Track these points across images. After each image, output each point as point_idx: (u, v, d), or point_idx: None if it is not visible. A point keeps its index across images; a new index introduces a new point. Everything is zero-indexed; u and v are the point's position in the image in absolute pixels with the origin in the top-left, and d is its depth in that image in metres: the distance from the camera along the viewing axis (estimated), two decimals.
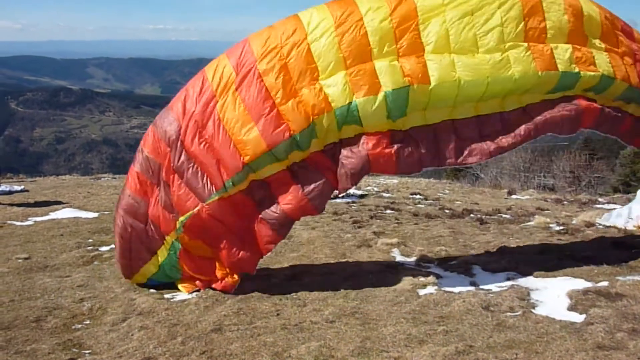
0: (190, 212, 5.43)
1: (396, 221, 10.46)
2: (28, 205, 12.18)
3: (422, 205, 13.40)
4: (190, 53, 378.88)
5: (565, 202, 15.03)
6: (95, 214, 11.14)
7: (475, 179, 31.45)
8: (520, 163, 32.05)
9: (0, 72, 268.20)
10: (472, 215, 11.42)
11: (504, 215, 11.65)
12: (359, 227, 9.67)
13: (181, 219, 5.50)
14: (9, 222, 10.23)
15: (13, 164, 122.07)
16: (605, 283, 5.55)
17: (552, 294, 5.41)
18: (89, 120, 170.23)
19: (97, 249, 8.19)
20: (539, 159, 32.47)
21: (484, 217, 11.05)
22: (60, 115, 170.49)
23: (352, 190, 16.04)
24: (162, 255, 6.03)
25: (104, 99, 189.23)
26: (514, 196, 16.99)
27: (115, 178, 20.10)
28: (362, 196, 14.91)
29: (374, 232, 9.10)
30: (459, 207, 12.91)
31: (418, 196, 15.35)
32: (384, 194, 15.75)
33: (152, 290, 6.15)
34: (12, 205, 12.06)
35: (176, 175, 5.56)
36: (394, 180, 20.98)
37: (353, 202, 13.52)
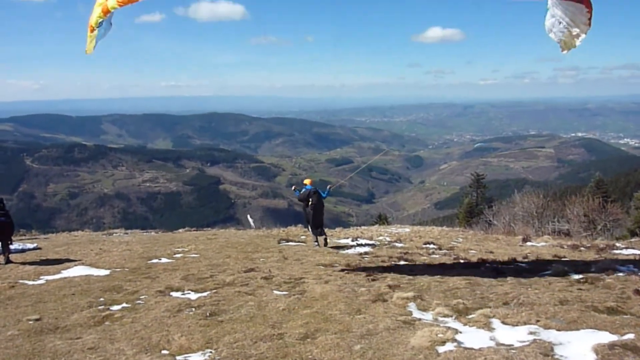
0: None
1: (411, 273, 10.27)
2: (40, 263, 12.18)
3: (437, 255, 13.19)
4: (202, 108, 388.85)
5: (582, 249, 14.72)
6: (107, 271, 11.09)
7: (488, 226, 31.07)
8: (533, 208, 31.73)
9: (18, 130, 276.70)
10: (487, 264, 11.21)
11: (520, 264, 11.41)
12: (373, 280, 9.49)
13: None
14: (20, 281, 10.20)
15: (26, 220, 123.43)
16: (631, 336, 5.34)
17: (577, 349, 5.21)
18: (102, 175, 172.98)
19: (109, 309, 8.08)
20: (551, 204, 32.15)
21: (500, 266, 10.84)
22: (74, 170, 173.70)
23: (364, 241, 15.92)
24: None
25: (117, 154, 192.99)
26: (529, 243, 16.71)
27: (127, 233, 20.15)
28: (374, 246, 14.75)
29: (389, 286, 8.92)
30: (474, 257, 12.69)
31: (432, 246, 15.14)
32: (397, 244, 15.57)
33: (164, 352, 6.02)
34: (24, 264, 12.06)
35: None
36: (406, 229, 20.80)
37: (366, 253, 13.35)
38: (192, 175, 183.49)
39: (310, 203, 13.50)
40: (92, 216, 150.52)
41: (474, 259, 12.07)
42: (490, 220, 32.56)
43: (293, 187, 14.76)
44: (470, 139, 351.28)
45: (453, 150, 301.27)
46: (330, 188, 14.60)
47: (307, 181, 14.32)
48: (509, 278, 9.58)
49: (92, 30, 9.73)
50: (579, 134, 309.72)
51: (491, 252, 13.90)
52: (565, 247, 15.23)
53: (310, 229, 14.32)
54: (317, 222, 13.78)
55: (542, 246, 15.66)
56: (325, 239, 14.20)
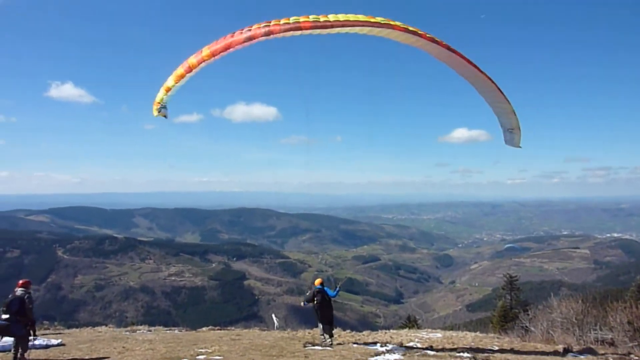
0: None
1: None
2: None
3: None
4: (231, 203, 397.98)
5: None
6: None
7: (525, 332, 29.31)
8: (572, 314, 29.96)
9: (54, 221, 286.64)
10: None
11: None
12: None
13: None
14: None
15: (50, 311, 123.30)
16: None
17: None
18: (129, 268, 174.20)
19: None
20: (591, 310, 30.35)
21: None
22: (103, 262, 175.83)
23: (393, 346, 15.18)
24: None
25: (146, 247, 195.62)
26: (570, 354, 15.61)
27: (150, 331, 19.84)
28: (404, 354, 14.02)
29: None
30: None
31: (466, 355, 14.30)
32: (429, 352, 14.77)
33: None
34: None
35: None
36: (438, 335, 19.83)
37: None
38: (218, 270, 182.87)
39: (315, 302, 14.20)
40: (116, 309, 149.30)
41: None
42: (526, 326, 30.77)
43: (303, 304, 15.15)
44: (500, 238, 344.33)
45: (483, 249, 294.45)
46: (339, 286, 15.42)
47: (317, 282, 14.87)
48: None
49: (167, 91, 12.55)
50: (615, 235, 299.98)
51: None
52: (612, 359, 14.15)
53: (320, 326, 14.92)
54: (325, 319, 14.49)
55: (584, 358, 14.59)
56: (331, 337, 14.79)
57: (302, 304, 15.13)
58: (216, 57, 11.45)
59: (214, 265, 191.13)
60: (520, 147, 12.24)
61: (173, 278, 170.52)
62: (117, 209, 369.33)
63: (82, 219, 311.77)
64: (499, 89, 11.39)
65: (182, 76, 12.10)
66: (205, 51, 11.56)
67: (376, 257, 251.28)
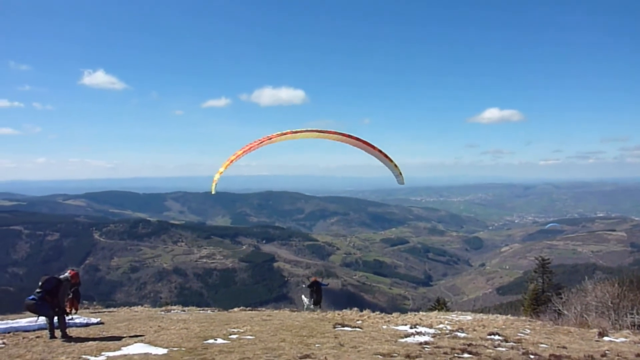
0: None
1: None
2: (102, 339, 12.46)
3: (503, 349, 12.31)
4: (260, 187, 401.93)
5: None
6: (165, 350, 11.14)
7: (558, 316, 28.82)
8: (608, 298, 29.26)
9: (90, 206, 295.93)
10: None
11: None
12: None
13: None
14: (83, 356, 10.42)
15: (89, 292, 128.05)
16: None
17: None
18: (162, 250, 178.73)
19: None
20: (628, 294, 29.56)
21: None
22: (137, 245, 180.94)
23: (423, 329, 15.19)
24: None
25: (178, 230, 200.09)
26: (606, 338, 15.27)
27: (184, 311, 20.37)
28: (434, 335, 14.02)
29: None
30: (544, 352, 11.74)
31: (497, 337, 14.19)
32: (459, 334, 14.71)
33: None
34: (87, 339, 12.38)
35: None
36: (468, 317, 19.69)
37: (426, 342, 12.69)
38: (248, 252, 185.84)
39: (312, 289, 22.36)
40: (150, 290, 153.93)
41: (546, 355, 11.15)
42: (559, 310, 30.24)
43: (305, 284, 23.22)
44: (532, 220, 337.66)
45: (514, 232, 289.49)
46: (327, 284, 23.58)
47: (312, 279, 22.87)
48: None
49: (218, 174, 17.00)
50: None
51: (564, 348, 12.81)
52: None
53: (312, 303, 22.35)
54: (317, 300, 22.14)
55: (622, 342, 14.27)
56: (320, 309, 21.70)
57: (305, 284, 23.03)
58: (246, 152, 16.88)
59: (244, 247, 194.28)
60: (403, 183, 19.17)
61: (204, 260, 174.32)
62: (150, 193, 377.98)
63: (116, 203, 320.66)
64: (386, 155, 17.85)
65: (230, 162, 17.01)
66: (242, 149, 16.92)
67: (405, 240, 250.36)
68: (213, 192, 17.54)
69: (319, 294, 22.43)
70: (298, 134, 16.42)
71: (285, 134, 16.27)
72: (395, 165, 17.78)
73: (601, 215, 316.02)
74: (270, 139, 16.62)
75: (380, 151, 17.45)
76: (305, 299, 23.11)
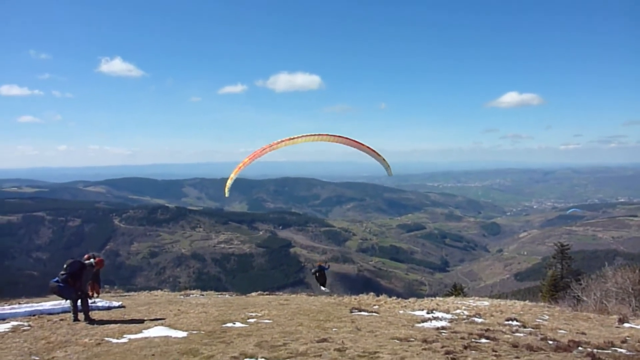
0: None
1: (494, 353, 9.58)
2: (124, 322, 12.74)
3: (521, 334, 12.25)
4: (276, 173, 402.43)
5: None
6: (185, 333, 11.34)
7: (577, 302, 28.52)
8: (628, 284, 28.83)
9: (110, 192, 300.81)
10: (580, 348, 10.22)
11: (619, 350, 10.30)
12: None
13: None
14: (106, 339, 10.68)
15: (110, 276, 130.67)
16: None
17: None
18: (181, 236, 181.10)
19: None
20: None
21: (595, 351, 9.84)
22: (156, 231, 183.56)
23: (440, 314, 15.19)
24: None
25: (196, 216, 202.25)
26: (626, 324, 15.10)
27: (203, 295, 20.68)
28: (451, 320, 14.01)
29: None
30: (563, 338, 11.65)
31: (515, 323, 14.12)
32: (476, 319, 14.68)
33: None
34: (109, 322, 12.67)
35: None
36: (485, 303, 19.62)
37: (443, 327, 12.69)
38: (265, 238, 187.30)
39: (317, 273, 24.05)
40: (169, 275, 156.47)
41: (564, 341, 11.07)
42: (578, 296, 29.91)
43: (314, 272, 24.59)
44: (551, 206, 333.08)
45: (533, 217, 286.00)
46: (328, 266, 24.75)
47: (317, 263, 24.69)
48: None
49: (230, 180, 19.29)
50: None
51: (583, 334, 12.70)
52: None
53: (319, 284, 24.45)
54: (321, 282, 24.12)
55: None
56: (325, 290, 23.84)
57: (312, 271, 24.91)
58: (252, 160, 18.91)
59: (260, 233, 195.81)
60: (392, 175, 21.45)
61: (222, 245, 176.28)
62: (168, 180, 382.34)
63: (135, 189, 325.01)
64: (374, 150, 19.61)
65: (239, 168, 19.14)
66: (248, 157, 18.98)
67: (421, 226, 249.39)
68: (227, 195, 20.14)
69: (322, 277, 24.71)
70: (295, 139, 18.53)
71: (283, 140, 18.49)
72: (384, 159, 19.99)
73: (622, 200, 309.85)
74: (272, 146, 18.81)
75: (368, 147, 19.60)
76: (322, 288, 24.54)
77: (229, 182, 19.48)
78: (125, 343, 10.39)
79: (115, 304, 15.77)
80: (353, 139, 19.38)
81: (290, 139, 18.54)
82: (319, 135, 19.03)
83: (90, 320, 12.57)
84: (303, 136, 18.65)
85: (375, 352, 9.37)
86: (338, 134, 19.29)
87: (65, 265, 12.53)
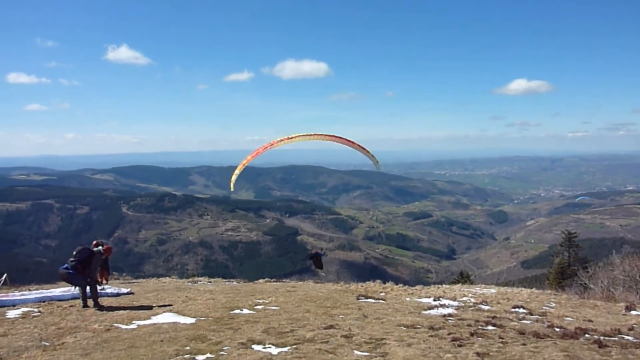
0: None
1: (500, 340, 9.59)
2: (132, 308, 12.87)
3: (528, 322, 12.25)
4: (283, 161, 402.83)
5: None
6: (193, 320, 11.45)
7: (584, 289, 28.46)
8: (636, 272, 28.71)
9: (118, 180, 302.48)
10: (587, 335, 10.21)
11: (626, 337, 10.28)
12: (460, 346, 8.96)
13: None
14: (115, 325, 10.80)
15: (119, 264, 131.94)
16: None
17: None
18: (188, 223, 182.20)
19: (194, 358, 8.28)
20: None
21: (602, 338, 9.82)
22: (164, 218, 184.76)
23: (447, 301, 15.22)
24: None
25: (203, 204, 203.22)
26: (633, 312, 15.05)
27: (210, 282, 20.83)
28: (458, 307, 14.04)
29: (477, 353, 8.37)
30: (570, 325, 11.65)
31: (521, 310, 14.12)
32: (483, 307, 14.70)
33: None
34: (118, 308, 12.81)
35: None
36: (492, 290, 19.62)
37: (450, 314, 12.72)
38: (272, 226, 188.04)
39: (312, 258, 25.55)
40: (177, 262, 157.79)
41: (571, 328, 11.07)
42: (585, 284, 29.85)
43: (310, 256, 26.18)
44: (559, 194, 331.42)
45: (540, 205, 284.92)
46: (324, 253, 26.45)
47: (314, 250, 26.06)
48: (613, 353, 8.65)
49: (235, 175, 20.94)
50: None
51: (590, 321, 12.69)
52: None
53: (315, 268, 25.95)
54: (317, 266, 25.54)
55: None
56: (321, 272, 25.80)
57: (309, 253, 26.48)
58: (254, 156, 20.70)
59: (267, 221, 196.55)
60: (379, 169, 24.62)
61: (230, 233, 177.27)
62: (175, 167, 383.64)
63: (142, 177, 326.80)
64: (363, 147, 21.87)
65: (242, 165, 20.82)
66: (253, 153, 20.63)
67: (428, 214, 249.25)
68: (232, 189, 22.73)
69: (318, 262, 26.59)
70: (293, 138, 20.28)
71: (282, 140, 20.20)
72: (372, 156, 22.30)
73: (631, 188, 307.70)
74: (272, 144, 20.38)
75: (358, 145, 21.85)
76: (320, 272, 25.57)
77: (233, 178, 21.34)
78: (134, 329, 10.51)
79: (124, 290, 15.91)
80: (343, 137, 21.74)
81: (289, 138, 20.39)
82: (314, 134, 21.22)
83: (99, 307, 12.70)
84: (300, 135, 20.60)
85: (382, 339, 9.42)
86: (330, 133, 21.67)
87: (74, 252, 12.64)
